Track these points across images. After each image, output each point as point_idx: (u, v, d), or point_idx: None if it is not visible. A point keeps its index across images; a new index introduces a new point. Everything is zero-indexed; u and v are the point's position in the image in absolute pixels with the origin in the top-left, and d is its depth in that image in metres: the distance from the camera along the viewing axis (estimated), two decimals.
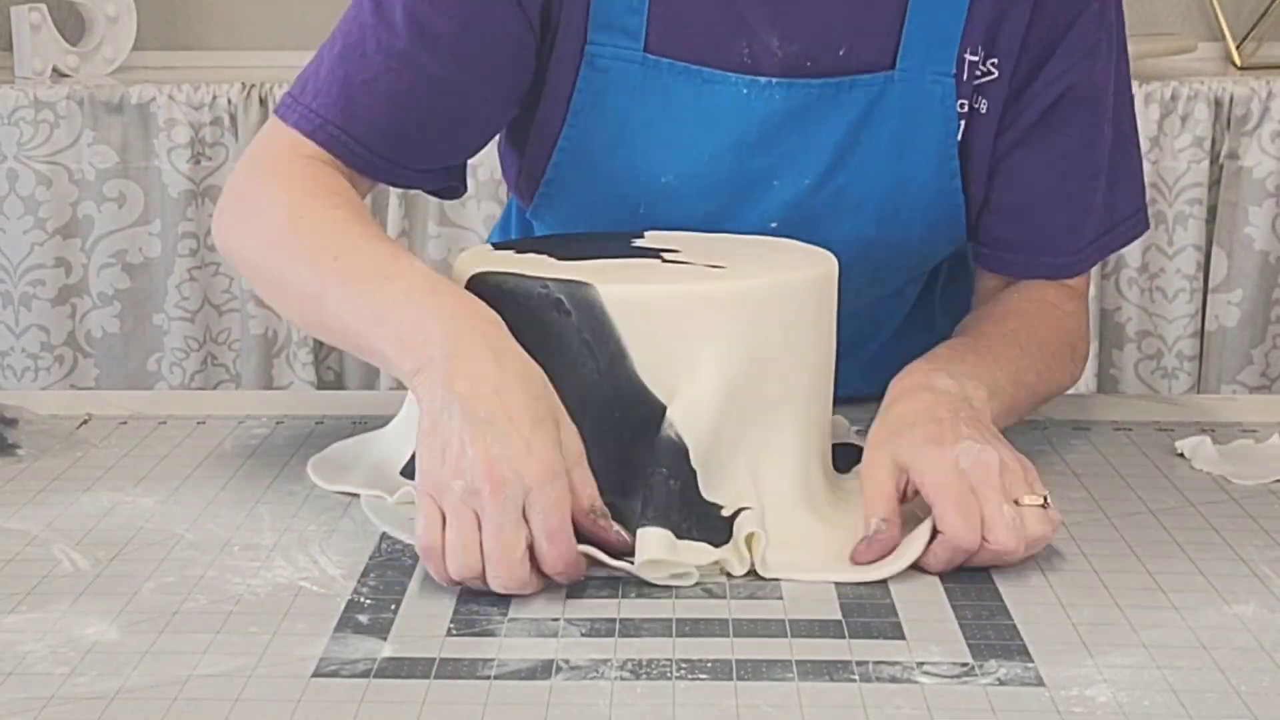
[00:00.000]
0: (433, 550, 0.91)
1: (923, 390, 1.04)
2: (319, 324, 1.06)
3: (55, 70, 2.65)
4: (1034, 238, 1.23)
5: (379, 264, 1.02)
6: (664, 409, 0.97)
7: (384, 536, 1.00)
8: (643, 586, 0.93)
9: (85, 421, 1.23)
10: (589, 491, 0.94)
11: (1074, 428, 1.23)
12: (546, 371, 0.97)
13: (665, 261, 1.06)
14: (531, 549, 0.91)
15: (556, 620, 0.89)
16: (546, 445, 0.92)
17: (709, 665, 0.83)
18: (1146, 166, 2.39)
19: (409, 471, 1.05)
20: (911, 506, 0.99)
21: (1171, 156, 2.44)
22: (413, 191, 2.40)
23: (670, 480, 0.95)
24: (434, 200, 2.47)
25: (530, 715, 0.78)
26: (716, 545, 0.95)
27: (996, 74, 1.18)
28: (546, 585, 0.92)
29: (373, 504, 1.05)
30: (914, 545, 0.95)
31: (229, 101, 2.49)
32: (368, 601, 0.91)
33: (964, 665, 0.83)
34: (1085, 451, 1.18)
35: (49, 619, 0.89)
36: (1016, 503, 0.95)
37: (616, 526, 0.94)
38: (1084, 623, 0.89)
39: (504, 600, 0.91)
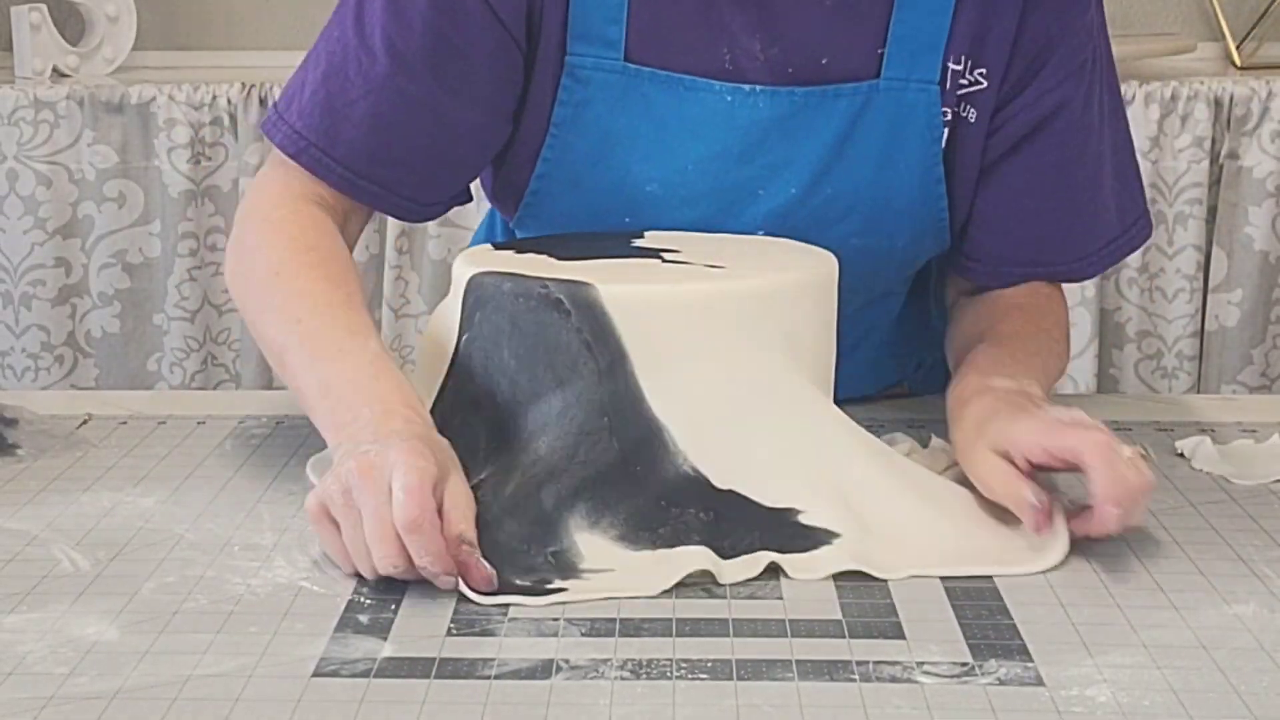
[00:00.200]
0: (340, 556, 0.93)
1: (984, 393, 1.07)
2: (282, 376, 1.09)
3: (55, 70, 2.65)
4: (1017, 249, 1.24)
5: (334, 337, 1.05)
6: (661, 425, 0.97)
7: None
8: None
9: (85, 421, 1.23)
10: (463, 516, 0.92)
11: None
12: (547, 371, 0.97)
13: (665, 262, 1.06)
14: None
15: (556, 620, 0.89)
16: (417, 445, 0.93)
17: (709, 665, 0.83)
18: (1146, 166, 2.40)
19: None
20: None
21: (1171, 156, 2.44)
22: None
23: (700, 514, 0.96)
24: None
25: (530, 715, 0.78)
26: (804, 551, 0.95)
27: (985, 84, 1.18)
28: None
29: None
30: (1060, 531, 0.97)
31: (229, 101, 2.49)
32: (368, 601, 0.91)
33: (964, 665, 0.83)
34: None
35: (49, 619, 0.89)
36: None
37: (482, 560, 0.91)
38: (1084, 623, 0.89)
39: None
